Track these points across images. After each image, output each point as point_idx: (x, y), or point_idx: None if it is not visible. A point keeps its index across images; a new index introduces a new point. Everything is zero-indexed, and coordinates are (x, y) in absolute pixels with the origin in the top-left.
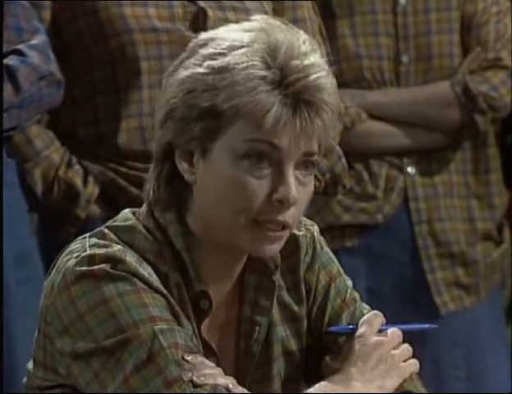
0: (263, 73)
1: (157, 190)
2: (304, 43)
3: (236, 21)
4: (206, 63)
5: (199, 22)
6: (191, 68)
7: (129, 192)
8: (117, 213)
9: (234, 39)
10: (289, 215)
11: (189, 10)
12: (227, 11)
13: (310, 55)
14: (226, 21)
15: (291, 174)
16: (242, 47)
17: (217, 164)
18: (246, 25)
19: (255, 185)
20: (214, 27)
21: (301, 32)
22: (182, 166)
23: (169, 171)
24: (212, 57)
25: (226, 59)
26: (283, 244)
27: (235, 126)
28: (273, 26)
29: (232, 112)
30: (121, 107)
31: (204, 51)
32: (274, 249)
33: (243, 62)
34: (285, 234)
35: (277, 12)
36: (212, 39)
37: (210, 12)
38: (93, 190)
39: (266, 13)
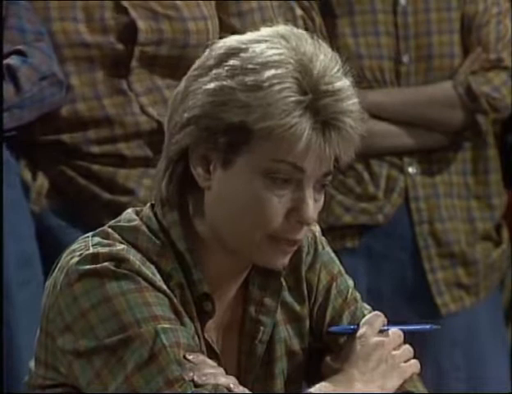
0: (298, 98)
1: (168, 190)
2: (331, 61)
3: (172, 32)
4: (238, 78)
5: (131, 34)
6: (221, 80)
7: (78, 183)
8: (67, 204)
9: (266, 55)
10: (303, 232)
11: (120, 21)
12: (161, 20)
13: (340, 77)
14: (159, 32)
15: (310, 195)
16: (276, 66)
17: (238, 177)
18: (272, 36)
19: (275, 203)
20: (147, 38)
21: (324, 46)
22: (197, 171)
23: (181, 173)
24: (243, 71)
25: (260, 78)
26: None
27: (264, 146)
28: (301, 40)
29: (264, 132)
30: (55, 121)
31: (235, 62)
32: (285, 262)
33: (278, 84)
34: (296, 247)
35: (220, 7)
36: (241, 50)
37: (141, 24)
38: (42, 182)
39: (205, 19)
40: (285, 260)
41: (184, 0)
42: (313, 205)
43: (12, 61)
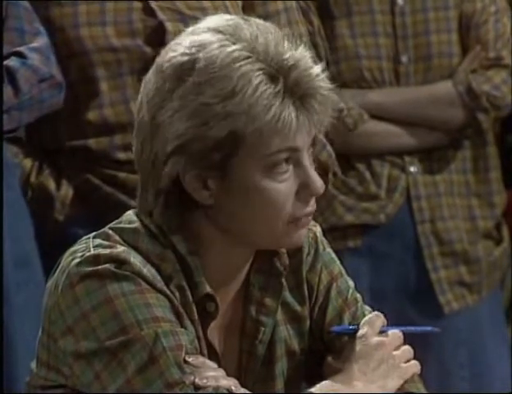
0: (273, 88)
1: (164, 217)
2: (276, 35)
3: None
4: (207, 92)
5: (159, 36)
6: (191, 100)
7: (104, 190)
8: (92, 212)
9: (221, 59)
10: (314, 202)
11: (149, 24)
12: (188, 22)
13: (296, 50)
14: None
15: (310, 166)
16: (237, 65)
17: (241, 182)
18: (208, 32)
19: (284, 189)
20: None
21: (259, 22)
22: (197, 193)
23: (175, 198)
24: (209, 83)
25: (229, 84)
26: None
27: (258, 145)
28: (237, 27)
29: (256, 134)
30: (82, 127)
31: (194, 78)
32: (304, 234)
33: (248, 82)
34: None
35: (247, 9)
36: (193, 62)
37: (169, 26)
38: (67, 192)
39: None
40: (304, 232)
41: (211, 0)
42: (316, 174)
43: (11, 62)
